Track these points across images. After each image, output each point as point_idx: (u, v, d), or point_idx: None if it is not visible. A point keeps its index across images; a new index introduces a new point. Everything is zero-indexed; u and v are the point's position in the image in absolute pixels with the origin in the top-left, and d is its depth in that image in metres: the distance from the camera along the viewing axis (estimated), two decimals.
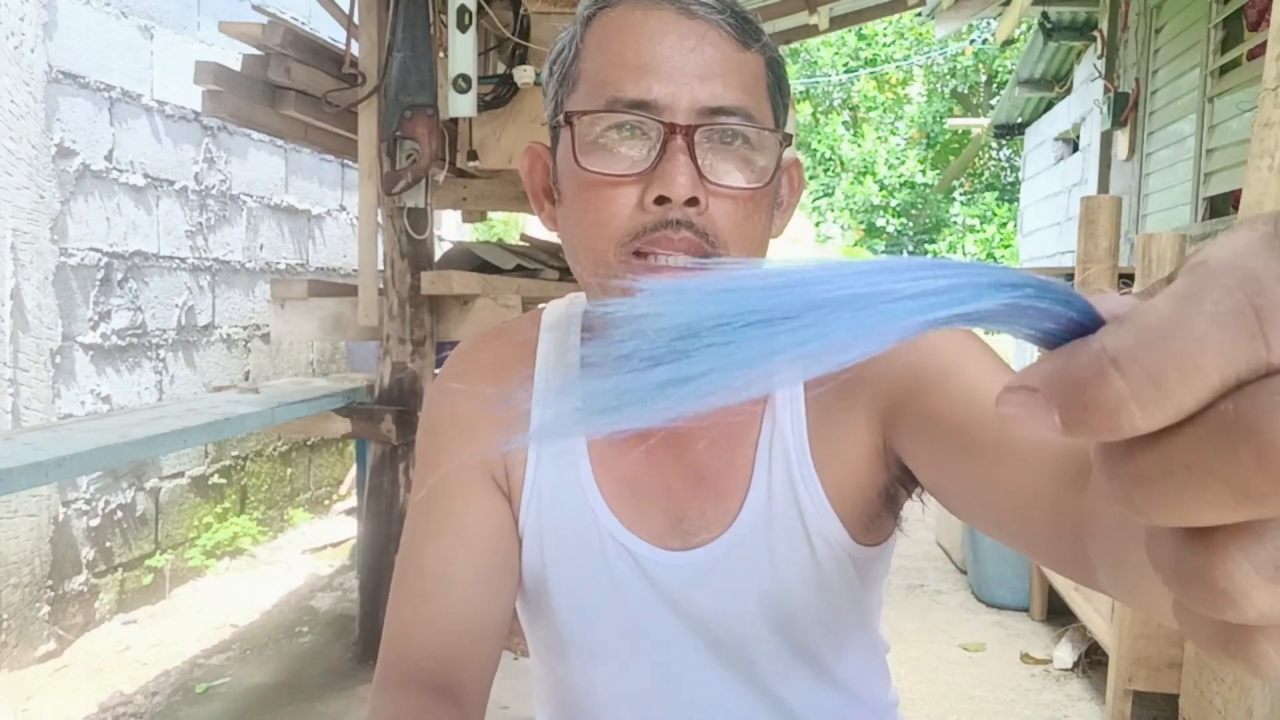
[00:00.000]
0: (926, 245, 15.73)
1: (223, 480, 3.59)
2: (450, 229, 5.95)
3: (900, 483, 0.73)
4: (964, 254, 14.61)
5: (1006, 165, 15.59)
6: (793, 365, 0.22)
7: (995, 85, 14.86)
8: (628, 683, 0.78)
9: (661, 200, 0.62)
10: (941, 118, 15.62)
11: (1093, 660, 2.62)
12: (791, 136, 0.68)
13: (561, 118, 0.66)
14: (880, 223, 15.99)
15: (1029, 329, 0.23)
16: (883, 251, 15.12)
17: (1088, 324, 0.22)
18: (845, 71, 16.01)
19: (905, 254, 15.83)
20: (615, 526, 0.73)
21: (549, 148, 0.72)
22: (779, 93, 0.69)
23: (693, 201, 0.62)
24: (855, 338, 0.21)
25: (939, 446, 0.64)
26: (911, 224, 16.15)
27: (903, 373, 0.67)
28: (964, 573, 3.41)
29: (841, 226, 15.58)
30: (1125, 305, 0.21)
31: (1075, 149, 6.93)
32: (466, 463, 0.74)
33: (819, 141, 15.95)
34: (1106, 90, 4.97)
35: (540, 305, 0.83)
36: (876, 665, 0.86)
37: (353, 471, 4.30)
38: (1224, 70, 3.82)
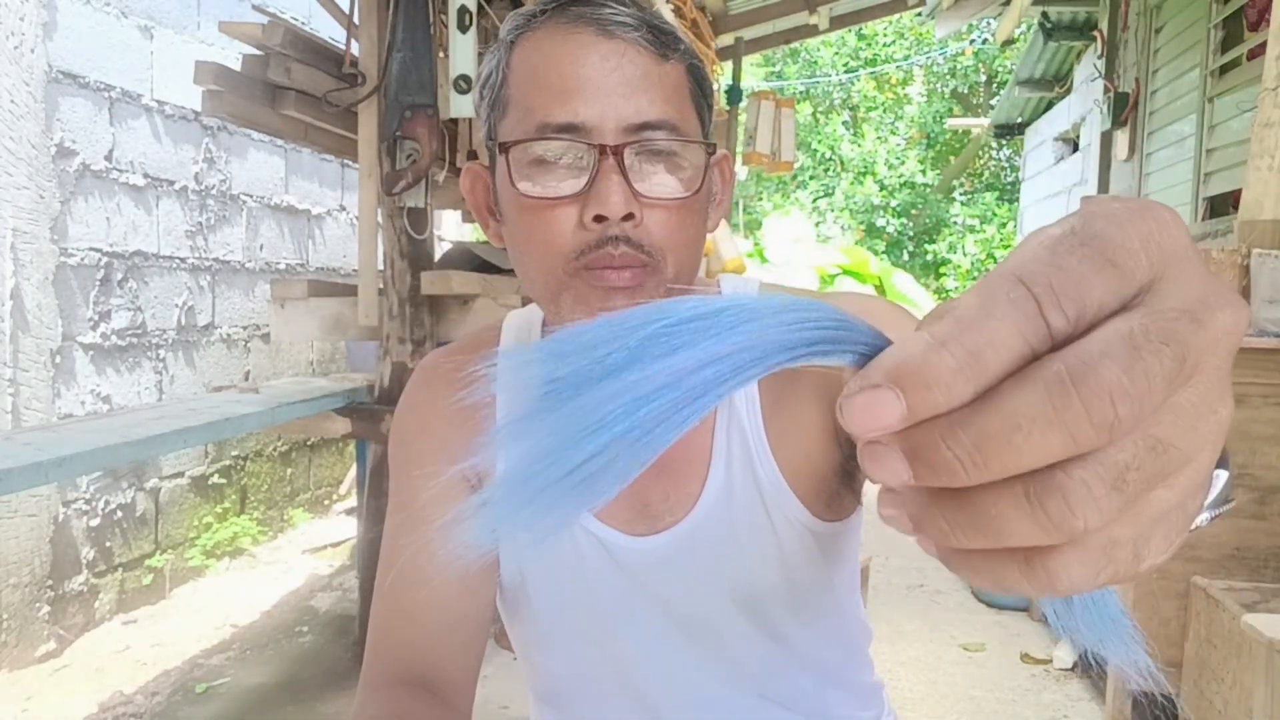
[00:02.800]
0: (926, 245, 15.72)
1: (223, 480, 3.59)
2: (450, 229, 5.95)
3: (855, 460, 0.74)
4: (964, 254, 14.61)
5: (1006, 165, 15.59)
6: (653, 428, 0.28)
7: (995, 85, 14.86)
8: (606, 668, 0.80)
9: (600, 219, 0.64)
10: (941, 118, 15.62)
11: (1093, 660, 2.61)
12: (713, 146, 0.70)
13: (495, 145, 0.68)
14: (880, 223, 15.98)
15: (840, 358, 0.28)
16: (882, 252, 15.13)
17: (884, 346, 0.27)
18: (845, 71, 16.02)
19: (906, 254, 15.85)
20: (585, 517, 0.75)
21: (487, 167, 0.74)
22: (702, 96, 0.71)
23: (628, 217, 0.65)
24: (686, 405, 0.27)
25: None
26: (911, 224, 16.15)
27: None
28: None
29: (841, 227, 15.58)
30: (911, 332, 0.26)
31: (1075, 149, 6.94)
32: (436, 464, 0.77)
33: (819, 141, 15.95)
34: (1106, 90, 4.97)
35: (503, 316, 0.86)
36: (854, 649, 0.87)
37: (353, 471, 4.30)
38: (1224, 70, 3.82)
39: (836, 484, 0.77)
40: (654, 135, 0.66)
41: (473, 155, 2.68)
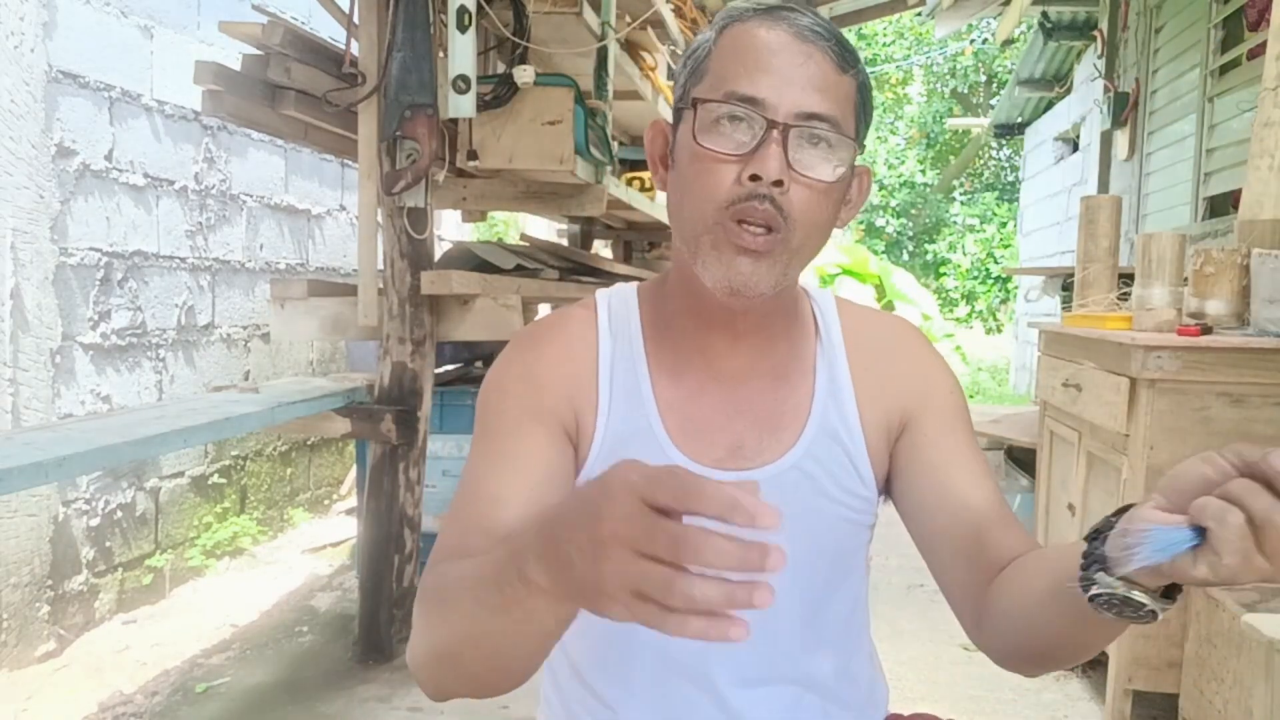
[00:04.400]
0: (926, 245, 15.72)
1: (223, 480, 3.59)
2: (450, 229, 5.95)
3: (896, 456, 0.94)
4: (964, 254, 14.60)
5: (1006, 165, 15.59)
6: None
7: (995, 85, 14.86)
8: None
9: (754, 178, 0.78)
10: (941, 118, 15.62)
11: (1092, 660, 2.62)
12: (863, 148, 0.86)
13: (689, 100, 0.82)
14: (880, 223, 15.98)
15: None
16: (882, 251, 15.12)
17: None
18: None
19: (905, 254, 15.83)
20: (680, 458, 0.87)
21: (671, 125, 0.87)
22: (863, 112, 0.85)
23: (778, 183, 0.78)
24: None
25: (912, 475, 0.91)
26: (911, 224, 16.14)
27: (918, 393, 0.92)
28: None
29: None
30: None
31: (1075, 149, 6.93)
32: (534, 410, 0.86)
33: None
34: (1106, 90, 4.97)
35: (590, 294, 0.97)
36: (858, 620, 0.97)
37: (353, 471, 4.30)
38: (1224, 70, 3.82)
39: (886, 468, 0.93)
40: (818, 126, 0.79)
41: (473, 155, 2.68)
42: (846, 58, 0.81)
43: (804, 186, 0.79)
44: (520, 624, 0.61)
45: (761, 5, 0.83)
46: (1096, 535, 0.66)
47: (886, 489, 0.95)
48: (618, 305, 0.93)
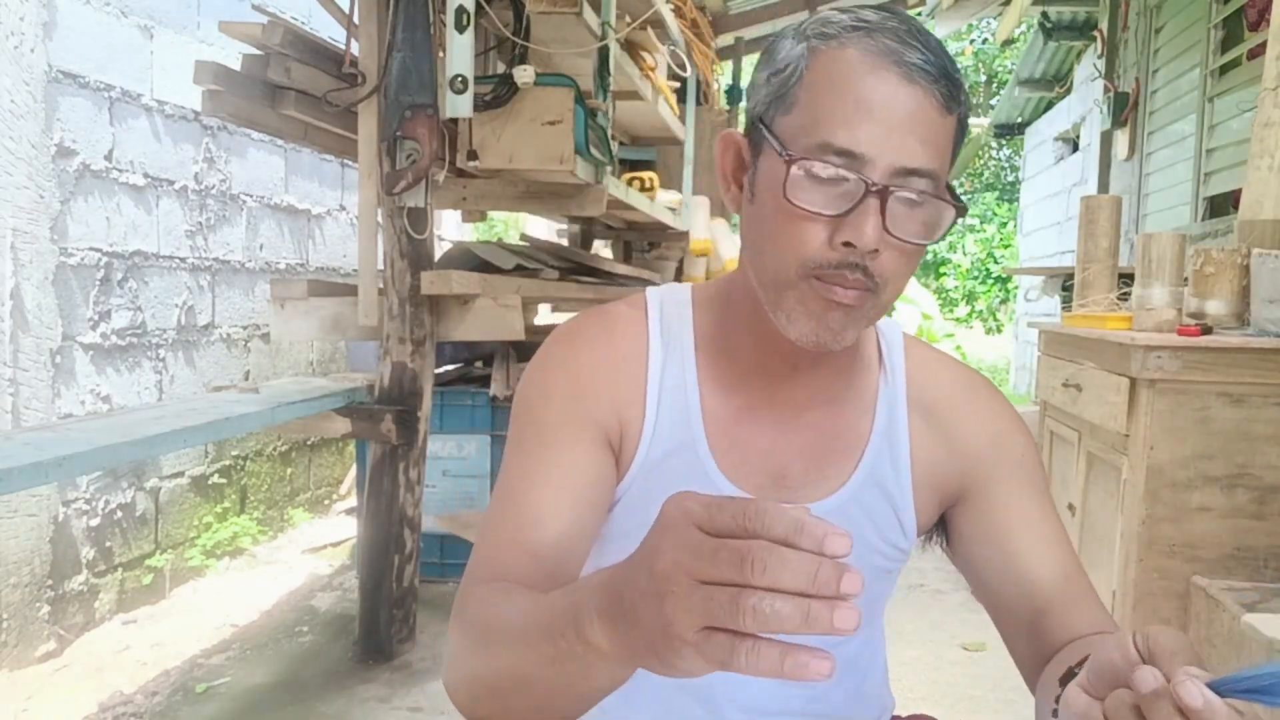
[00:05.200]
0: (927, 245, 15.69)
1: (223, 480, 3.59)
2: (450, 229, 5.95)
3: (932, 528, 0.91)
4: (964, 254, 14.60)
5: (1006, 165, 15.58)
6: None
7: (995, 85, 14.85)
8: None
9: (849, 245, 0.71)
10: None
11: None
12: (953, 189, 0.78)
13: (775, 133, 0.74)
14: None
15: None
16: None
17: None
18: None
19: None
20: (720, 480, 0.83)
21: (746, 138, 0.79)
22: (958, 145, 0.77)
23: (873, 252, 0.71)
24: None
25: (972, 541, 0.87)
26: None
27: (985, 455, 0.87)
28: None
29: None
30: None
31: (1075, 149, 6.93)
32: (578, 417, 0.81)
33: None
34: (1106, 90, 4.96)
35: (637, 291, 0.92)
36: (874, 645, 0.96)
37: (353, 471, 4.30)
38: (1224, 70, 3.82)
39: (930, 522, 0.90)
40: (918, 183, 0.71)
41: (473, 155, 2.68)
42: (953, 94, 0.73)
43: (896, 249, 0.73)
44: (573, 679, 0.58)
45: (861, 22, 0.73)
46: (1070, 674, 0.67)
47: (943, 543, 0.93)
48: (670, 309, 0.88)
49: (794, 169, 0.71)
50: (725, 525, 0.47)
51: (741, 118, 5.74)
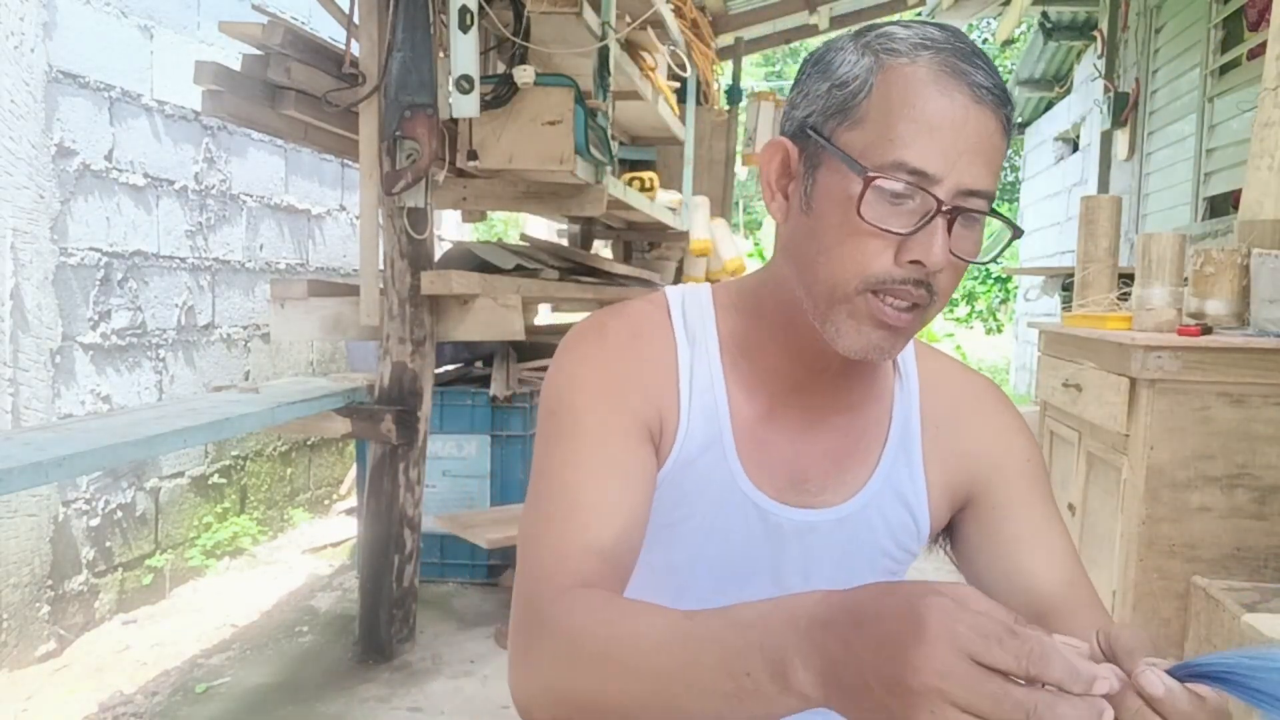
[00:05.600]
0: None
1: (223, 480, 3.59)
2: (450, 229, 5.95)
3: (940, 532, 0.92)
4: None
5: (1006, 165, 15.57)
6: None
7: None
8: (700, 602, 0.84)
9: (916, 263, 0.72)
10: None
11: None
12: (1021, 231, 0.81)
13: (842, 155, 0.73)
14: None
15: None
16: None
17: None
18: None
19: None
20: (747, 485, 0.84)
21: (795, 146, 0.78)
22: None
23: (939, 270, 0.73)
24: None
25: (977, 546, 0.88)
26: None
27: (993, 460, 0.88)
28: None
29: None
30: None
31: (1075, 149, 6.93)
32: (623, 413, 0.81)
33: None
34: (1106, 90, 4.96)
35: (655, 290, 0.93)
36: None
37: (353, 471, 4.30)
38: (1224, 70, 3.82)
39: (941, 526, 0.91)
40: (978, 204, 0.73)
41: (473, 155, 2.68)
42: (1009, 115, 0.75)
43: (952, 267, 0.74)
44: (745, 713, 0.55)
45: (928, 40, 0.73)
46: None
47: (947, 549, 0.94)
48: (693, 309, 0.88)
49: (870, 186, 0.71)
50: (1003, 663, 0.46)
51: (742, 117, 5.74)
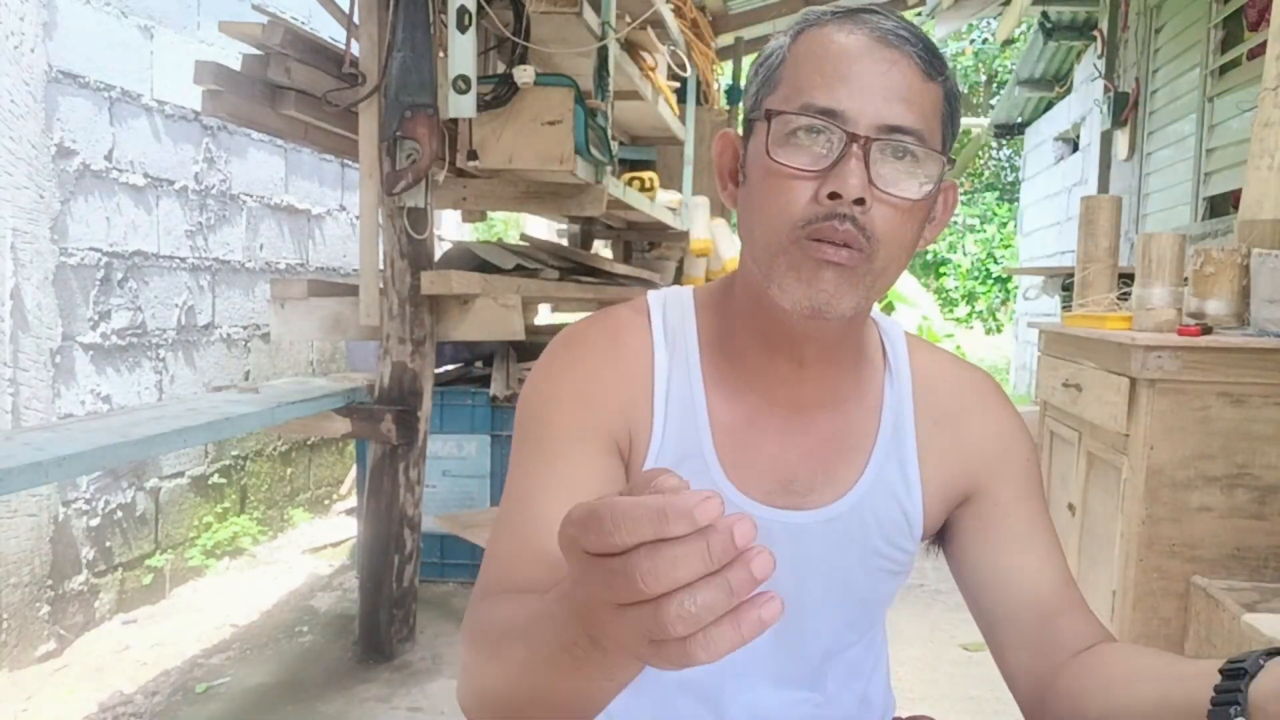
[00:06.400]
0: None
1: (223, 480, 3.59)
2: (450, 229, 5.95)
3: (949, 519, 0.90)
4: (964, 254, 14.60)
5: (1006, 165, 15.58)
6: None
7: (995, 85, 14.85)
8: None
9: (834, 196, 0.71)
10: None
11: None
12: (953, 162, 0.79)
13: (761, 112, 0.75)
14: None
15: None
16: None
17: None
18: None
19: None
20: (729, 488, 0.82)
21: (741, 136, 0.81)
22: (951, 122, 0.78)
23: (859, 201, 0.71)
24: None
25: (973, 545, 0.87)
26: None
27: (993, 458, 0.87)
28: None
29: None
30: None
31: (1075, 149, 6.93)
32: (588, 426, 0.80)
33: None
34: (1106, 90, 4.97)
35: (641, 295, 0.91)
36: (877, 650, 0.96)
37: (353, 471, 4.30)
38: (1224, 70, 3.82)
39: (937, 526, 0.90)
40: (903, 139, 0.72)
41: (473, 155, 2.68)
42: (933, 64, 0.74)
43: (887, 205, 0.72)
44: (596, 682, 0.55)
45: (839, 8, 0.76)
46: (1238, 672, 0.60)
47: (941, 548, 0.92)
48: (673, 313, 0.87)
49: (774, 125, 0.73)
50: (597, 546, 0.43)
51: (740, 117, 5.74)
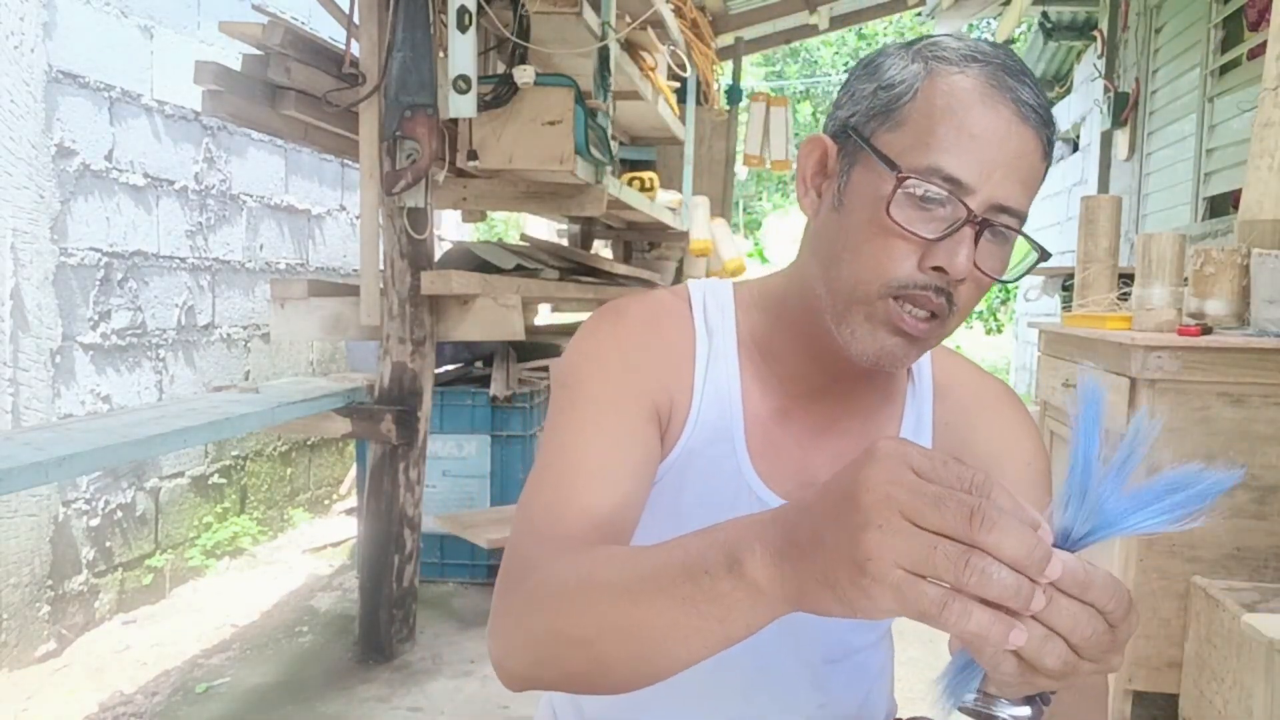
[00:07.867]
0: None
1: (223, 480, 3.59)
2: (450, 229, 5.95)
3: None
4: None
5: None
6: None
7: None
8: None
9: (939, 270, 0.72)
10: None
11: None
12: (1048, 254, 0.79)
13: (879, 140, 0.73)
14: None
15: None
16: None
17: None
18: (845, 71, 16.00)
19: None
20: (755, 481, 0.83)
21: (836, 146, 0.78)
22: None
23: (960, 280, 0.72)
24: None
25: None
26: None
27: (994, 456, 0.87)
28: None
29: None
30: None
31: (1075, 149, 6.93)
32: (632, 389, 0.80)
33: None
34: (1106, 90, 4.97)
35: (681, 283, 0.93)
36: (884, 654, 0.97)
37: (353, 471, 4.30)
38: (1224, 70, 3.82)
39: None
40: (1009, 221, 0.73)
41: (473, 155, 2.68)
42: (1051, 144, 0.75)
43: (975, 281, 0.74)
44: (705, 622, 0.53)
45: (977, 53, 0.73)
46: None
47: None
48: (713, 304, 0.88)
49: (902, 187, 0.71)
50: (946, 478, 0.46)
51: (743, 117, 5.74)
